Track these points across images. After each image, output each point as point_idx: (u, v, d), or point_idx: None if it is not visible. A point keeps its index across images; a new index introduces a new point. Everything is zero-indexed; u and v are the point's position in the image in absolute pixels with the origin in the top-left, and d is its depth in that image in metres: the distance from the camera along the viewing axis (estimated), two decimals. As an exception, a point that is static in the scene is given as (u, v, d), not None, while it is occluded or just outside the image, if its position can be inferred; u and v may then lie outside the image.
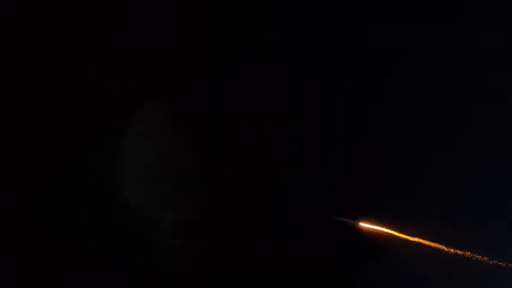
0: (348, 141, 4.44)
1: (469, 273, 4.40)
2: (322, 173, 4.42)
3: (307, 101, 4.44)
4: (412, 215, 4.39)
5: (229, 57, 4.40)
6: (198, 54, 4.40)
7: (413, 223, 4.36)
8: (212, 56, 4.40)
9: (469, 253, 4.44)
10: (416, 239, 4.60)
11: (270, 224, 4.35)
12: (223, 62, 4.38)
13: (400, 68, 4.40)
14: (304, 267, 4.32)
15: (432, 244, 4.50)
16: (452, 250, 4.49)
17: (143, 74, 4.28)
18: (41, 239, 4.08)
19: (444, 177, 4.46)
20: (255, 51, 4.39)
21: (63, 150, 4.24)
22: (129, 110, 4.35)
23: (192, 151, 4.40)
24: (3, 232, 4.04)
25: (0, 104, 4.18)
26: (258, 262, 4.25)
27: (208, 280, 4.23)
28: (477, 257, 4.47)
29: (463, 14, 4.46)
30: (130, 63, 4.26)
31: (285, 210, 4.35)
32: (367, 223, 4.40)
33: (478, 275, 4.39)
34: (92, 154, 4.25)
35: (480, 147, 4.43)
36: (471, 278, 4.41)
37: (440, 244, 4.47)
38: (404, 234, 4.35)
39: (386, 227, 4.40)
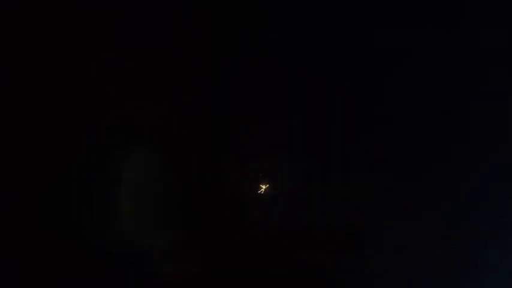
0: (348, 141, 4.46)
1: (469, 273, 4.41)
2: (322, 173, 4.44)
3: (308, 101, 4.46)
4: (412, 215, 4.41)
5: (229, 57, 4.41)
6: (198, 54, 4.42)
7: (413, 223, 4.37)
8: (212, 56, 4.41)
9: (469, 253, 4.46)
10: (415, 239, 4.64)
11: (270, 226, 4.38)
12: (223, 62, 4.39)
13: (400, 68, 4.42)
14: (305, 269, 4.34)
15: (432, 244, 4.52)
16: (452, 250, 4.51)
17: (143, 74, 4.29)
18: (41, 239, 4.10)
19: (444, 177, 4.48)
20: (255, 51, 4.40)
21: (63, 150, 4.26)
22: (129, 110, 4.36)
23: (192, 151, 4.42)
24: (3, 232, 4.06)
25: (0, 104, 4.20)
26: (261, 264, 4.28)
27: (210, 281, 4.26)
28: (477, 256, 4.49)
29: (463, 14, 4.48)
30: (130, 63, 4.28)
31: (284, 212, 4.37)
32: (366, 223, 4.43)
33: (478, 274, 4.40)
34: (91, 154, 4.27)
35: (480, 147, 4.44)
36: (471, 278, 4.42)
37: (441, 244, 4.49)
38: (404, 234, 4.37)
39: (386, 227, 4.42)
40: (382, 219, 4.40)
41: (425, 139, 4.48)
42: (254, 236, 4.34)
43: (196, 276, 4.23)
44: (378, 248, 4.38)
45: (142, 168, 4.31)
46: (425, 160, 4.47)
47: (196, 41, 4.38)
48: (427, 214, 4.45)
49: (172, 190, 4.35)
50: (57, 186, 4.21)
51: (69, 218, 4.18)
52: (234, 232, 4.35)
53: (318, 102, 4.50)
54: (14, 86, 4.25)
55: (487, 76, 4.39)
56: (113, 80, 4.30)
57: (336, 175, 4.43)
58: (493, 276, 4.33)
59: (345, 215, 4.34)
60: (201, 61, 4.41)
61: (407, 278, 4.30)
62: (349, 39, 4.41)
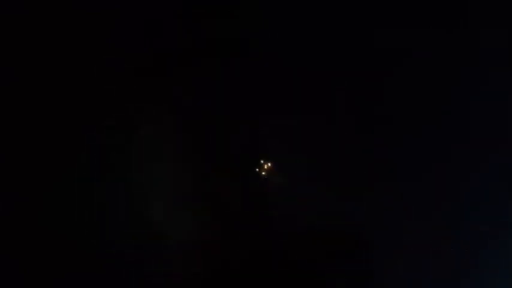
0: (348, 141, 4.45)
1: (469, 273, 4.41)
2: (322, 174, 4.43)
3: (308, 101, 4.46)
4: (411, 215, 4.40)
5: (229, 57, 4.41)
6: (198, 54, 4.41)
7: (413, 223, 4.37)
8: (212, 56, 4.41)
9: (469, 253, 4.45)
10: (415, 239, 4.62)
11: (269, 227, 4.37)
12: (223, 62, 4.39)
13: (400, 68, 4.42)
14: (308, 269, 4.33)
15: (432, 244, 4.51)
16: (452, 250, 4.50)
17: (143, 74, 4.29)
18: (41, 239, 4.09)
19: (444, 177, 4.47)
20: (255, 51, 4.40)
21: (63, 150, 4.25)
22: (129, 110, 4.36)
23: (192, 151, 4.42)
24: (3, 232, 4.05)
25: (0, 104, 4.19)
26: (264, 263, 4.27)
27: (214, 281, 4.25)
28: (477, 256, 4.48)
29: (463, 14, 4.47)
30: (131, 63, 4.27)
31: (285, 212, 4.36)
32: (365, 223, 4.42)
33: (478, 274, 4.40)
34: (91, 154, 4.27)
35: (480, 147, 4.44)
36: (471, 278, 4.42)
37: (441, 244, 4.48)
38: (403, 234, 4.37)
39: (385, 227, 4.42)
40: (381, 219, 4.40)
41: (425, 139, 4.48)
42: (253, 236, 4.34)
43: (196, 276, 4.23)
44: (377, 248, 4.37)
45: (142, 168, 4.31)
46: (425, 160, 4.47)
47: (196, 41, 4.38)
48: (427, 214, 4.45)
49: (171, 190, 4.35)
50: (57, 186, 4.21)
51: (69, 218, 4.18)
52: (234, 233, 4.35)
53: (318, 102, 4.50)
54: (14, 86, 4.25)
55: (487, 76, 4.39)
56: (113, 80, 4.30)
57: (336, 175, 4.43)
58: (493, 276, 4.33)
59: (344, 215, 4.33)
60: (201, 61, 4.41)
61: (407, 278, 4.30)
62: (349, 39, 4.41)
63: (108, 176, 4.29)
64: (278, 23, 4.40)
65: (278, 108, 4.47)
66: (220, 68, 4.42)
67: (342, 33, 4.38)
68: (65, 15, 4.24)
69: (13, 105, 4.24)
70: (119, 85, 4.33)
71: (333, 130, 4.46)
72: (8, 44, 4.20)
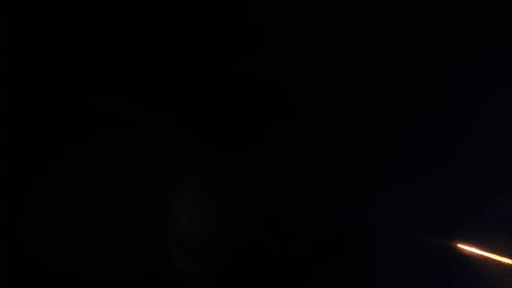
0: (348, 141, 4.45)
1: (468, 272, 4.40)
2: (322, 174, 4.43)
3: (308, 101, 4.45)
4: (411, 215, 4.40)
5: (229, 57, 4.40)
6: (198, 54, 4.41)
7: (413, 223, 4.36)
8: (212, 56, 4.40)
9: (469, 251, 4.45)
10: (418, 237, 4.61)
11: (271, 225, 4.36)
12: (223, 62, 4.38)
13: (400, 68, 4.42)
14: (309, 269, 4.33)
15: (432, 244, 4.50)
16: (452, 249, 4.49)
17: (144, 74, 4.28)
18: (41, 239, 4.09)
19: (444, 176, 4.46)
20: (255, 51, 4.40)
21: (63, 150, 4.25)
22: (129, 110, 4.35)
23: (192, 151, 4.42)
24: (3, 232, 4.05)
25: (0, 104, 4.19)
26: (267, 263, 4.26)
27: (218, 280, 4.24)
28: (477, 255, 4.47)
29: (463, 14, 4.47)
30: (131, 62, 4.26)
31: (285, 212, 4.35)
32: (367, 223, 4.41)
33: (477, 273, 4.39)
34: (91, 154, 4.26)
35: (480, 147, 4.43)
36: (471, 277, 4.41)
37: (441, 243, 4.48)
38: (403, 234, 4.36)
39: (385, 227, 4.40)
40: (381, 219, 4.41)
41: (426, 139, 4.49)
42: (253, 236, 4.35)
43: (196, 276, 4.24)
44: (377, 248, 4.39)
45: (142, 168, 4.31)
46: (425, 160, 4.48)
47: (196, 41, 4.39)
48: (427, 214, 4.46)
49: (170, 190, 4.35)
50: (57, 186, 4.22)
51: (69, 218, 4.19)
52: (233, 233, 4.36)
53: (318, 102, 4.51)
54: (13, 85, 4.26)
55: (487, 76, 4.40)
56: (113, 80, 4.30)
57: (335, 175, 4.44)
58: (493, 276, 4.34)
59: (344, 215, 4.34)
60: (201, 61, 4.42)
61: (407, 278, 4.31)
62: (349, 39, 4.42)
63: (108, 176, 4.30)
64: (278, 23, 4.41)
65: (279, 109, 4.47)
66: (220, 68, 4.43)
67: (342, 33, 4.39)
68: (65, 14, 4.25)
69: (12, 105, 4.25)
70: (119, 85, 4.33)
71: (333, 130, 4.47)
72: (6, 43, 4.20)
